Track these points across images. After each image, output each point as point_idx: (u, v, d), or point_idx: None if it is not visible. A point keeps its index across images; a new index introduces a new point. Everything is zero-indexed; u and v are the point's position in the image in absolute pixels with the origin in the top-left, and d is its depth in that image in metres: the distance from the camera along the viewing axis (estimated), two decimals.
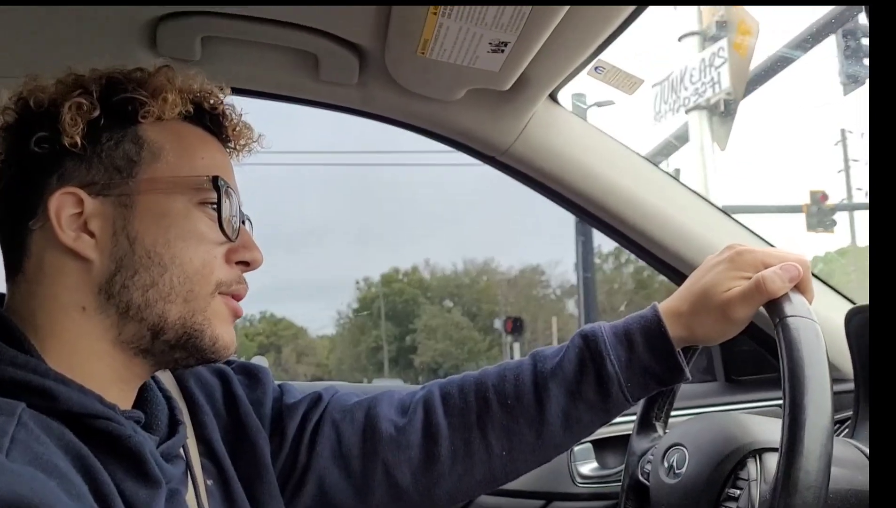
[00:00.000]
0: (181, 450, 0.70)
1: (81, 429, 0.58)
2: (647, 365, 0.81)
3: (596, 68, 1.08)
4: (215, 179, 0.68)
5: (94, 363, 0.64)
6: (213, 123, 0.73)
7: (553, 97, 1.19)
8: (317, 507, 0.83)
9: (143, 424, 0.65)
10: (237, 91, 1.12)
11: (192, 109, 0.70)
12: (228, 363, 0.86)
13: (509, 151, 1.19)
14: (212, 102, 0.72)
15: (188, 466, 0.70)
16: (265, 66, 1.08)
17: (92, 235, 0.64)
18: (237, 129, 0.74)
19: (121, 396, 0.65)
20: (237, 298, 0.71)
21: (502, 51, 0.92)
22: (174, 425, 0.70)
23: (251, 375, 0.86)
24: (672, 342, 0.80)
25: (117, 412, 0.61)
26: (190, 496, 0.69)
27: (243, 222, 0.73)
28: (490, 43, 0.91)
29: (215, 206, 0.68)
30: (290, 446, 0.83)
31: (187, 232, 0.66)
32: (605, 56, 1.08)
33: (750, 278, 0.77)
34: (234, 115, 0.74)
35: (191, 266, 0.66)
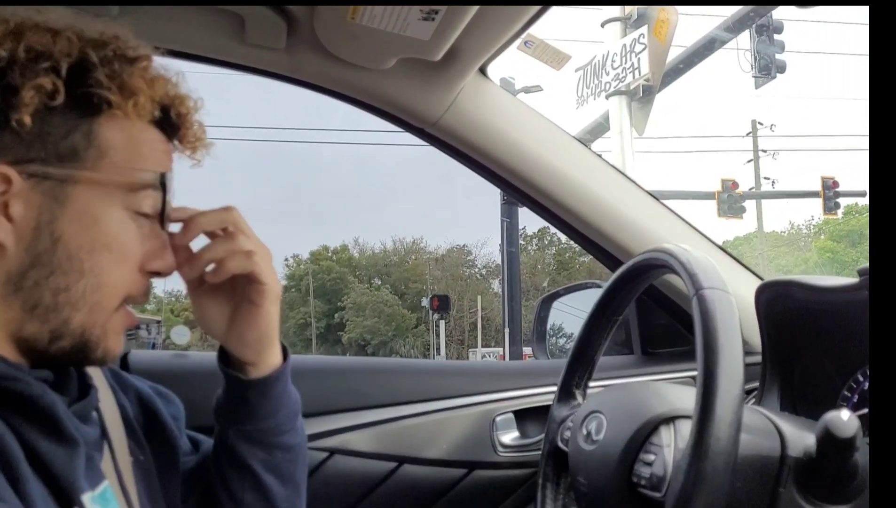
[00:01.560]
0: (95, 415, 0.68)
1: None
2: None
3: (525, 42, 1.10)
4: (162, 176, 0.65)
5: None
6: (172, 128, 0.69)
7: (483, 71, 1.19)
8: None
9: (51, 383, 0.62)
10: (157, 51, 1.07)
11: (158, 114, 0.66)
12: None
13: (439, 123, 1.18)
14: (181, 110, 0.68)
15: (104, 432, 0.68)
16: (188, 25, 1.04)
17: (10, 219, 0.59)
18: (193, 138, 0.70)
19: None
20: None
21: (433, 19, 0.92)
22: (85, 388, 0.67)
23: (165, 396, 0.85)
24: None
25: (25, 371, 0.58)
26: (106, 461, 0.66)
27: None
28: (421, 10, 0.90)
29: (151, 206, 0.65)
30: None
31: (115, 242, 0.63)
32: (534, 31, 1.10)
33: None
34: (195, 121, 0.70)
35: (107, 279, 0.63)
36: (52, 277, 0.60)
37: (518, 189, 1.28)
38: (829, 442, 0.71)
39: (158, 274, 0.68)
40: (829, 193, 12.89)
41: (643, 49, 7.77)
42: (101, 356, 0.65)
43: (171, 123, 0.68)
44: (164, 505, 0.75)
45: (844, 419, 0.70)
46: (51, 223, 0.60)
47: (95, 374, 0.73)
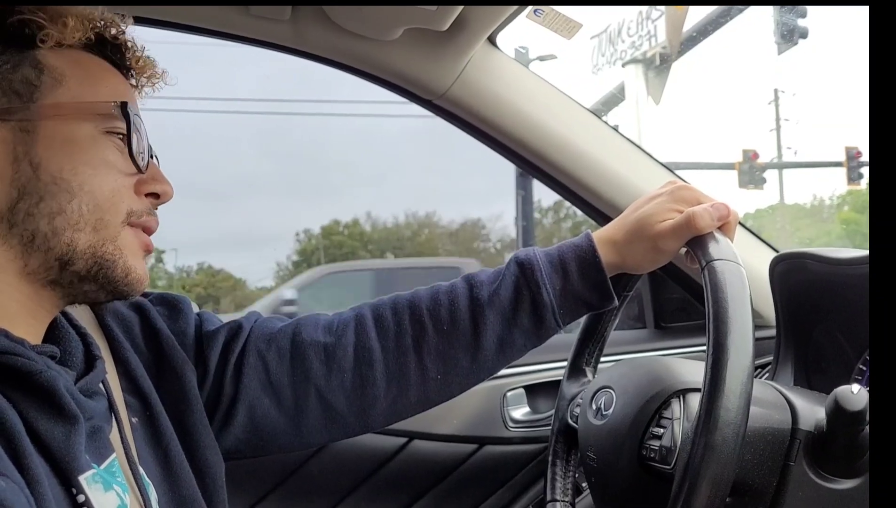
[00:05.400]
0: (102, 386, 0.67)
1: None
2: (580, 293, 0.83)
3: (535, 11, 1.06)
4: (124, 105, 0.65)
5: (0, 298, 0.61)
6: (115, 53, 0.69)
7: (492, 41, 1.17)
8: (248, 435, 0.82)
9: (58, 359, 0.62)
10: (161, 23, 1.06)
11: (93, 38, 0.67)
12: (146, 294, 0.82)
13: (447, 94, 1.17)
14: (113, 31, 0.69)
15: (110, 403, 0.68)
16: None
17: None
18: (140, 61, 0.71)
19: (29, 331, 0.62)
20: (148, 231, 0.68)
21: None
22: (91, 360, 0.67)
23: (171, 305, 0.83)
24: (605, 271, 0.83)
25: (27, 346, 0.58)
26: (114, 434, 0.66)
27: (152, 157, 0.70)
28: None
29: (122, 136, 0.65)
30: (213, 377, 0.81)
31: (95, 159, 0.63)
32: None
33: (682, 213, 0.80)
34: (136, 47, 0.71)
35: (100, 193, 0.63)
36: (42, 203, 0.61)
37: (528, 161, 1.26)
38: (839, 416, 0.70)
39: (156, 197, 0.69)
40: (853, 163, 12.67)
41: (660, 16, 7.65)
42: (123, 277, 0.65)
43: (112, 46, 0.69)
44: (176, 458, 0.73)
45: (854, 392, 0.69)
46: (27, 154, 0.61)
47: (103, 341, 0.73)
